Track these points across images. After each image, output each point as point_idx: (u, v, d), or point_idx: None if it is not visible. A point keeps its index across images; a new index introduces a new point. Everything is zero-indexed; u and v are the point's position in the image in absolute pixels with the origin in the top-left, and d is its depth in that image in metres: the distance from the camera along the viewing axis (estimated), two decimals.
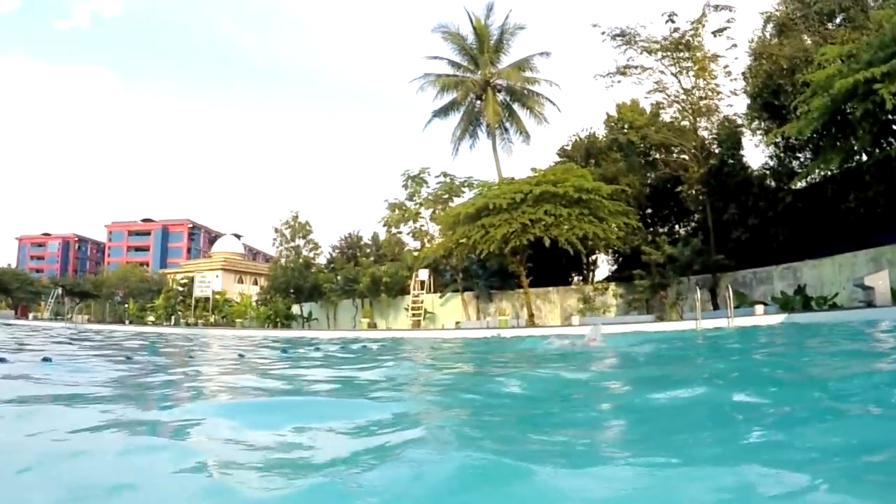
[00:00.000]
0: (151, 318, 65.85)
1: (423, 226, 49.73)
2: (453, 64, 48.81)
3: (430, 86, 47.99)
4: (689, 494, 2.70)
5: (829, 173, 33.10)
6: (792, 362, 10.46)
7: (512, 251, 36.43)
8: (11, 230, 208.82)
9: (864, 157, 28.58)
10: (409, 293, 45.15)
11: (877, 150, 27.34)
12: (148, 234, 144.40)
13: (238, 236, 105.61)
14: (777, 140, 35.54)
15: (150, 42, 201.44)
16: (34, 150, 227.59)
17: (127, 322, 64.03)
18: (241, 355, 14.75)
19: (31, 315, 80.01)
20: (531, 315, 39.07)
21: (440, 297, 45.63)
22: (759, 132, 38.52)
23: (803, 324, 21.69)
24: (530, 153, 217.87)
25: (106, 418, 4.80)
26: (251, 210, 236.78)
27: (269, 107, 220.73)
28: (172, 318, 64.12)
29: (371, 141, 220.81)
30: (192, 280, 67.64)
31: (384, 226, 51.60)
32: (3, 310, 78.86)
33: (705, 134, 40.55)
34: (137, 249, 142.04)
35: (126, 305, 74.41)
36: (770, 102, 36.01)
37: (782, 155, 38.13)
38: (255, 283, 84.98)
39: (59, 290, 78.49)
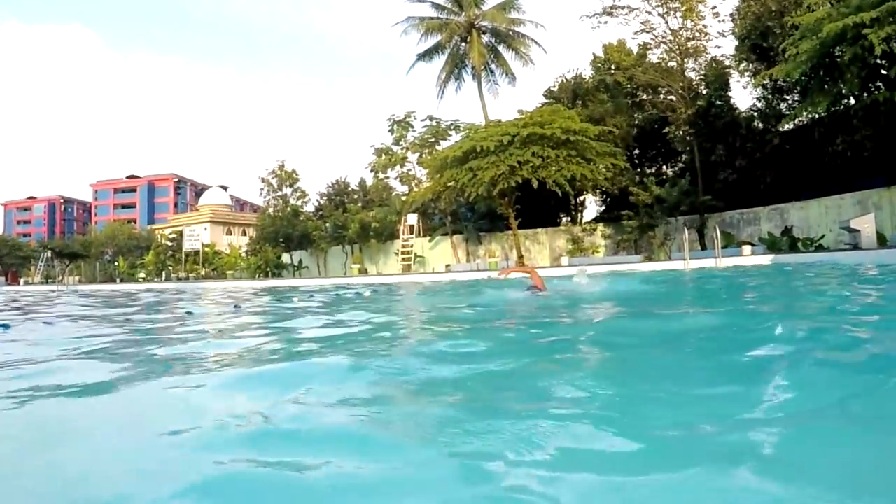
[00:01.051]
0: (142, 275, 65.69)
1: (410, 170, 49.67)
2: (436, 6, 48.11)
3: (413, 29, 47.37)
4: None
5: (817, 116, 33.26)
6: (779, 297, 10.93)
7: (500, 193, 36.44)
8: None
9: (852, 101, 28.77)
10: (398, 238, 45.27)
11: (864, 95, 27.50)
12: (134, 190, 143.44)
13: (224, 188, 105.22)
14: (765, 82, 35.40)
15: None
16: (14, 114, 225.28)
17: (118, 280, 63.94)
18: (237, 306, 14.47)
19: (21, 280, 79.75)
20: (520, 256, 39.29)
21: (430, 241, 45.76)
22: (746, 74, 38.58)
23: (790, 263, 22.04)
24: (517, 95, 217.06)
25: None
26: (237, 161, 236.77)
27: (251, 58, 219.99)
28: (163, 273, 64.07)
29: (355, 87, 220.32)
30: (180, 234, 67.59)
31: (371, 171, 51.38)
32: None
33: (693, 75, 40.64)
34: (124, 207, 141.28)
35: (116, 264, 74.18)
36: (758, 44, 36.03)
37: (770, 97, 38.06)
38: (244, 233, 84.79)
39: (49, 253, 77.95)
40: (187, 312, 12.76)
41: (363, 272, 45.47)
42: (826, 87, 27.82)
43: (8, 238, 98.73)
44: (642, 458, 2.19)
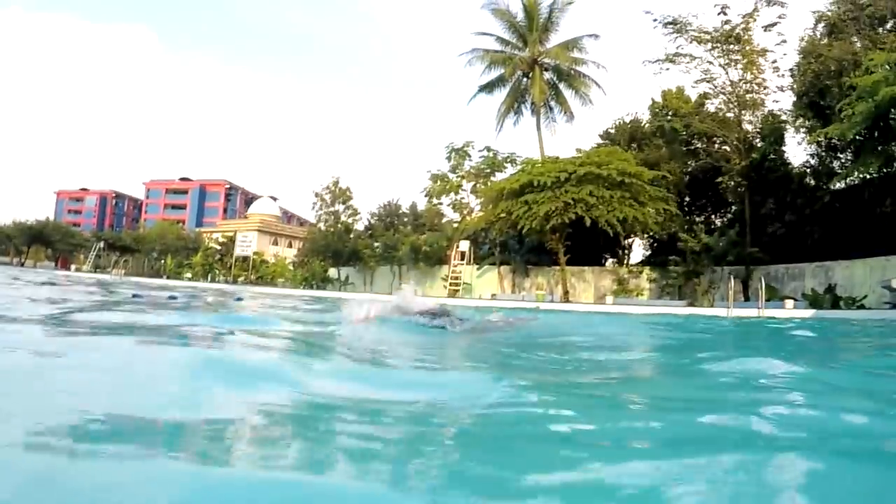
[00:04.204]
0: (188, 275, 66.96)
1: (463, 198, 50.18)
2: (501, 40, 49.09)
3: (477, 61, 48.44)
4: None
5: (868, 177, 33.15)
6: (818, 346, 11.46)
7: (552, 229, 37.29)
8: (49, 184, 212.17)
9: None
10: (446, 263, 46.12)
11: None
12: (185, 192, 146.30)
13: (274, 199, 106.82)
14: (819, 139, 35.41)
15: (194, 4, 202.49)
16: (74, 106, 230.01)
17: (164, 277, 65.32)
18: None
19: (72, 267, 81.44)
20: (566, 292, 39.88)
21: (477, 269, 46.54)
22: (802, 130, 38.52)
23: (830, 319, 22.56)
24: (572, 133, 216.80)
25: None
26: (287, 173, 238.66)
27: (312, 74, 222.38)
28: (209, 275, 65.30)
29: (412, 110, 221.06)
30: (230, 239, 68.91)
31: (426, 196, 52.02)
32: (42, 261, 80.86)
33: (749, 127, 40.66)
34: (174, 207, 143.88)
35: (162, 261, 75.67)
36: (815, 102, 36.08)
37: (823, 154, 38.19)
38: (290, 245, 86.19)
39: (102, 244, 79.76)
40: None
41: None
42: (879, 148, 28.28)
43: (62, 225, 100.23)
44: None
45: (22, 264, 76.10)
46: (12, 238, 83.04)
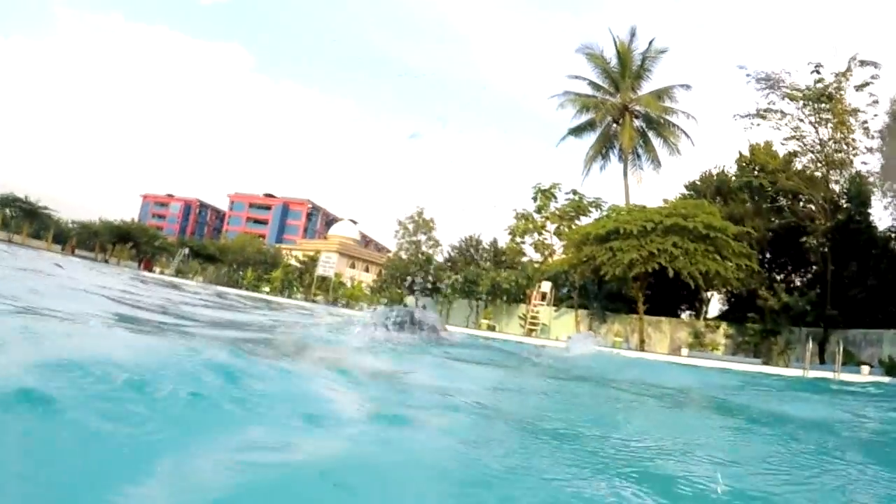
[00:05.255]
0: (266, 289, 68.45)
1: (546, 239, 50.88)
2: (593, 85, 50.10)
3: (569, 104, 49.47)
4: None
5: None
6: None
7: (634, 277, 37.72)
8: (133, 186, 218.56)
9: None
10: (524, 302, 46.75)
11: None
12: (268, 208, 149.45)
13: (354, 222, 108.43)
14: None
15: (289, 27, 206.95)
16: (166, 114, 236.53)
17: (243, 288, 66.85)
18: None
19: (156, 269, 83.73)
20: (642, 341, 40.15)
21: (555, 311, 47.08)
22: (889, 194, 38.03)
23: None
24: (657, 181, 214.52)
25: None
26: (367, 198, 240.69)
27: (399, 105, 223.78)
28: (286, 291, 66.71)
29: (497, 148, 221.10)
30: (310, 258, 70.45)
31: (509, 234, 52.85)
32: (125, 260, 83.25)
33: (836, 187, 40.39)
34: (256, 222, 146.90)
35: (241, 273, 77.39)
36: None
37: None
38: (367, 270, 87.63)
39: (187, 250, 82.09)
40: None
41: (491, 328, 46.35)
42: None
43: (147, 227, 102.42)
44: None
45: (106, 261, 78.46)
46: (99, 235, 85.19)
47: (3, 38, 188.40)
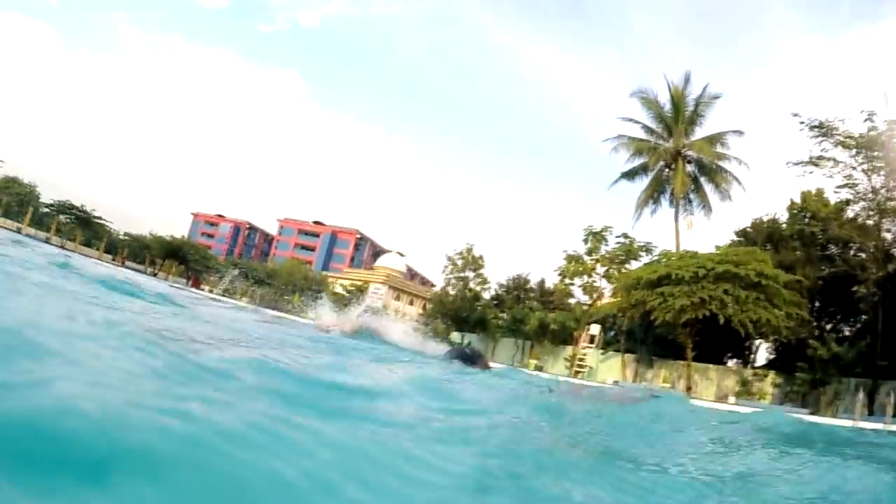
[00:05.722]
0: (312, 316, 68.74)
1: (595, 281, 50.98)
2: (648, 129, 50.33)
3: (622, 147, 49.92)
4: None
5: None
6: None
7: (684, 323, 37.73)
8: (183, 204, 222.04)
9: None
10: (572, 343, 46.80)
11: None
12: (317, 235, 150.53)
13: (402, 255, 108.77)
14: None
15: (343, 57, 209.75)
16: (219, 134, 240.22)
17: (289, 312, 67.41)
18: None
19: (205, 288, 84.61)
20: (689, 388, 39.86)
21: (602, 354, 47.09)
22: None
23: None
24: (708, 227, 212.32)
25: None
26: (414, 231, 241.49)
27: (451, 139, 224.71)
28: None
29: (548, 188, 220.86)
30: (358, 287, 71.15)
31: (559, 274, 53.05)
32: (173, 275, 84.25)
33: (888, 236, 39.96)
34: (304, 248, 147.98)
35: (287, 298, 78.00)
36: None
37: None
38: (411, 303, 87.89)
39: (237, 271, 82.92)
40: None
41: (539, 368, 46.35)
42: None
43: (198, 245, 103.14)
44: None
45: (155, 275, 79.49)
46: (150, 249, 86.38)
47: (68, 51, 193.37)
